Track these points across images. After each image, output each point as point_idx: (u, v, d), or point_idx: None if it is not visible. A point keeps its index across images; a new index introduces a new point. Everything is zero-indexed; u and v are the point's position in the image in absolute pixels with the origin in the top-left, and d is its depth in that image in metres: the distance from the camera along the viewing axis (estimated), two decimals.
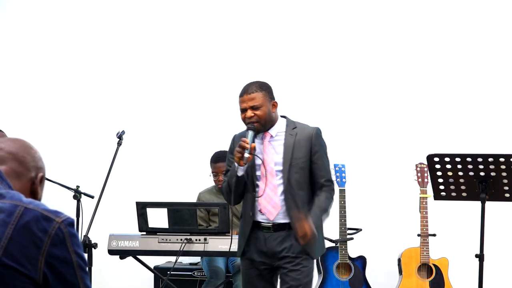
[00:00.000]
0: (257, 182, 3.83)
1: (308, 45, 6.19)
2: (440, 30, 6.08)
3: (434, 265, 5.41)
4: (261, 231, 3.84)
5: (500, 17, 6.03)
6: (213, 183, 5.49)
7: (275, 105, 3.84)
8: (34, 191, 1.88)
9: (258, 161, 3.81)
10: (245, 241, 3.86)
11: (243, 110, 3.80)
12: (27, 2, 6.54)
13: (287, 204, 3.81)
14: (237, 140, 3.86)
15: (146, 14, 6.40)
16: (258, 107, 3.78)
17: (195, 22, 6.34)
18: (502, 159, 3.83)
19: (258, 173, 3.83)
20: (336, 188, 5.43)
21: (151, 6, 6.40)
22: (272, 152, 3.83)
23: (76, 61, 6.43)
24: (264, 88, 3.82)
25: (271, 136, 3.85)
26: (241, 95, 3.82)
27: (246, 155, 3.69)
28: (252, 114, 3.77)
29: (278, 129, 3.86)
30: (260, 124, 3.78)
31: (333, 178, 5.48)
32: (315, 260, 3.97)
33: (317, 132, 3.87)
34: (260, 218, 3.84)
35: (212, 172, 5.40)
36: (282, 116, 3.93)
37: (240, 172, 3.77)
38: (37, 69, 6.46)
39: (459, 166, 3.89)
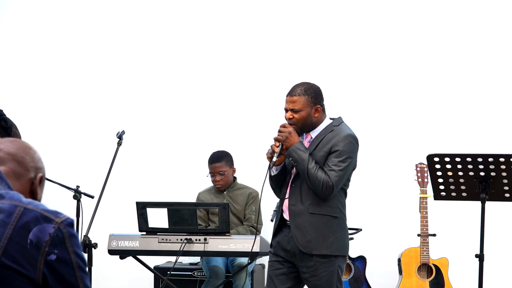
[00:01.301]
0: (289, 180, 3.91)
1: (308, 45, 6.18)
2: (440, 30, 6.07)
3: (434, 265, 5.41)
4: (287, 229, 3.90)
5: (500, 17, 6.03)
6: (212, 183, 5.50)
7: (318, 110, 3.87)
8: (33, 192, 1.88)
9: None
10: (274, 235, 3.96)
11: (286, 110, 3.91)
12: (27, 2, 6.54)
13: (290, 192, 3.86)
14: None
15: (146, 14, 6.40)
16: (297, 110, 3.86)
17: (195, 22, 6.33)
18: (502, 159, 3.83)
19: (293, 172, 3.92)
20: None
21: (151, 6, 6.40)
22: None
23: (76, 61, 6.42)
24: (309, 92, 3.88)
25: (311, 138, 3.91)
26: (287, 95, 3.92)
27: (274, 158, 3.82)
28: (291, 116, 3.87)
29: (319, 131, 3.91)
30: (297, 126, 3.87)
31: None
32: (338, 258, 3.87)
33: (345, 136, 3.83)
34: (286, 215, 3.91)
35: (210, 173, 5.41)
36: (331, 118, 3.96)
37: (273, 172, 3.91)
38: (37, 70, 6.46)
39: (459, 166, 3.89)
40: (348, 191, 5.47)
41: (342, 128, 3.89)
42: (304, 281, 3.93)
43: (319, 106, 3.88)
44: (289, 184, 3.90)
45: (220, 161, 5.37)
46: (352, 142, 3.83)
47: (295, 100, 3.85)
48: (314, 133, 3.91)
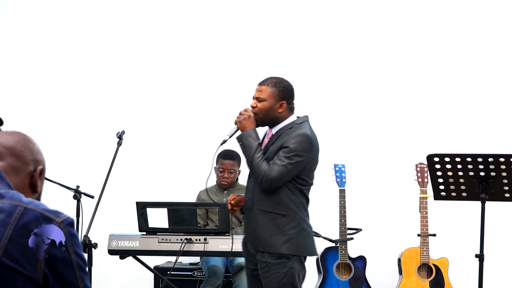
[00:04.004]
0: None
1: (308, 45, 6.18)
2: (440, 30, 6.08)
3: (434, 265, 5.41)
4: None
5: (500, 17, 6.03)
6: (213, 182, 5.49)
7: (283, 105, 3.79)
8: (33, 185, 1.86)
9: None
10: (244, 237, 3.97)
11: (253, 98, 3.85)
12: (27, 2, 6.54)
13: (247, 186, 3.87)
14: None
15: (146, 14, 6.40)
16: (262, 100, 3.80)
17: (195, 22, 6.33)
18: (502, 159, 3.83)
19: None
20: (335, 188, 5.48)
21: (151, 6, 6.40)
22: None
23: (76, 61, 6.42)
24: (278, 86, 3.80)
25: (272, 134, 3.86)
26: (257, 84, 3.87)
27: (227, 137, 3.84)
28: (255, 105, 3.82)
29: (280, 127, 3.83)
30: (258, 116, 3.81)
31: (332, 180, 5.47)
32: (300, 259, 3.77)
33: (299, 134, 3.72)
34: None
35: (219, 168, 5.39)
36: (298, 117, 3.86)
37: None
38: (37, 69, 6.46)
39: (459, 166, 3.90)
40: (348, 191, 5.52)
41: (301, 127, 3.77)
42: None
43: (284, 102, 3.79)
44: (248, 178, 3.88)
45: (233, 159, 5.38)
46: (305, 141, 3.70)
47: (262, 89, 3.80)
48: (275, 129, 3.83)
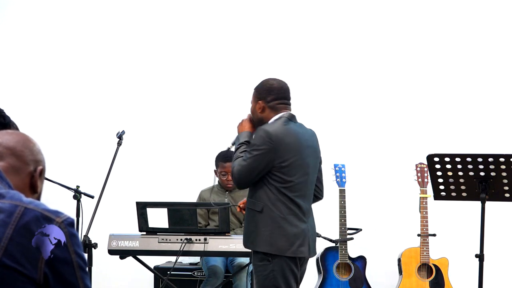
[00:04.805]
0: None
1: (308, 44, 6.19)
2: (440, 30, 6.08)
3: (434, 265, 5.42)
4: None
5: (500, 17, 6.03)
6: (214, 182, 5.49)
7: (260, 106, 3.82)
8: (33, 185, 1.87)
9: None
10: None
11: None
12: (27, 2, 6.54)
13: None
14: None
15: (146, 14, 6.40)
16: (250, 103, 3.91)
17: (195, 22, 6.34)
18: (502, 159, 3.84)
19: None
20: (335, 188, 5.48)
21: (151, 6, 6.40)
22: None
23: (76, 61, 6.42)
24: (257, 87, 3.88)
25: None
26: None
27: (230, 145, 4.02)
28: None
29: None
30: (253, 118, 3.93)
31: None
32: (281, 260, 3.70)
33: (259, 129, 3.74)
34: None
35: (221, 172, 5.37)
36: (287, 116, 3.82)
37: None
38: (37, 70, 6.46)
39: (459, 166, 3.90)
40: (348, 191, 5.51)
41: (270, 124, 3.77)
42: None
43: (261, 101, 3.81)
44: None
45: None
46: (262, 136, 3.68)
47: (252, 93, 3.92)
48: None
